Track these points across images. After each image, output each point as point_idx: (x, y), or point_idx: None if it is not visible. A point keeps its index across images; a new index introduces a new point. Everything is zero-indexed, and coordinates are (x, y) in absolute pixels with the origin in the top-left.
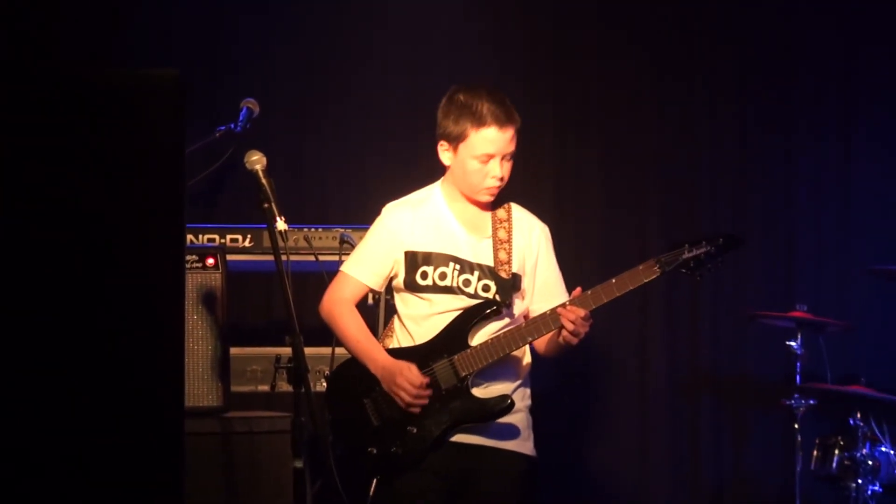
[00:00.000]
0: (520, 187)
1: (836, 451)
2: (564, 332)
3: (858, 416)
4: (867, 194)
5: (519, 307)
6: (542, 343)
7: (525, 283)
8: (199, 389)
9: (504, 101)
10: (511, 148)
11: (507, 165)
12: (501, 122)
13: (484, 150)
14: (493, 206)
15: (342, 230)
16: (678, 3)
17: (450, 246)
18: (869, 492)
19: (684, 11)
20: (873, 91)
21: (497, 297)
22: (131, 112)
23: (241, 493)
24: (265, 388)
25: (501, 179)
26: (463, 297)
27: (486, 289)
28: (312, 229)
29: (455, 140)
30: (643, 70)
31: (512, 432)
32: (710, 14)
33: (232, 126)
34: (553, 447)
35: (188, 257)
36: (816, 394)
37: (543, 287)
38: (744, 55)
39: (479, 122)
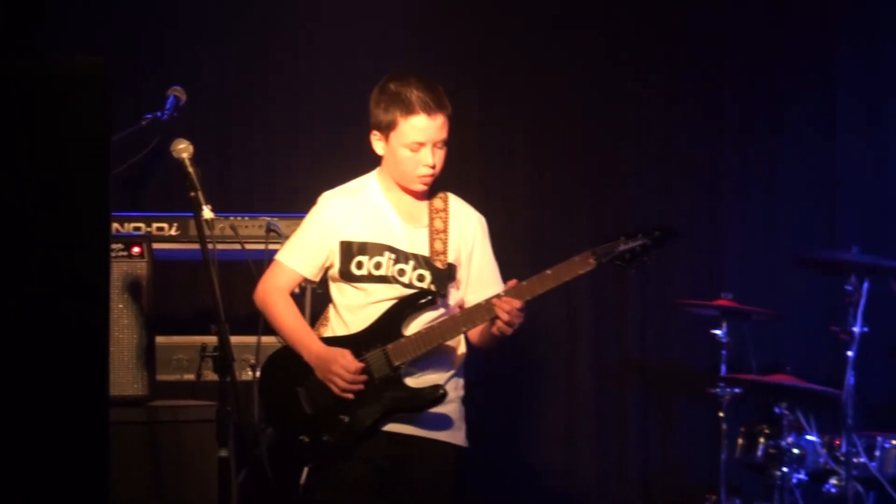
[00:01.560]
0: (448, 178)
1: (762, 440)
2: (499, 323)
3: (784, 404)
4: (792, 183)
5: (454, 297)
6: (476, 333)
7: (460, 274)
8: (124, 378)
9: (434, 88)
10: (442, 135)
11: (440, 153)
12: (430, 110)
13: (414, 138)
14: (429, 195)
15: (269, 219)
16: None
17: (385, 236)
18: (794, 480)
19: (615, 2)
20: (800, 82)
21: (432, 287)
22: (55, 100)
23: (167, 483)
24: (191, 376)
25: (433, 167)
26: (398, 286)
27: (421, 279)
28: (239, 218)
29: (386, 129)
30: (572, 60)
31: (444, 422)
32: (640, 5)
33: (159, 114)
34: (483, 437)
35: (114, 246)
36: (742, 382)
37: (479, 277)
38: (673, 48)
39: (408, 110)
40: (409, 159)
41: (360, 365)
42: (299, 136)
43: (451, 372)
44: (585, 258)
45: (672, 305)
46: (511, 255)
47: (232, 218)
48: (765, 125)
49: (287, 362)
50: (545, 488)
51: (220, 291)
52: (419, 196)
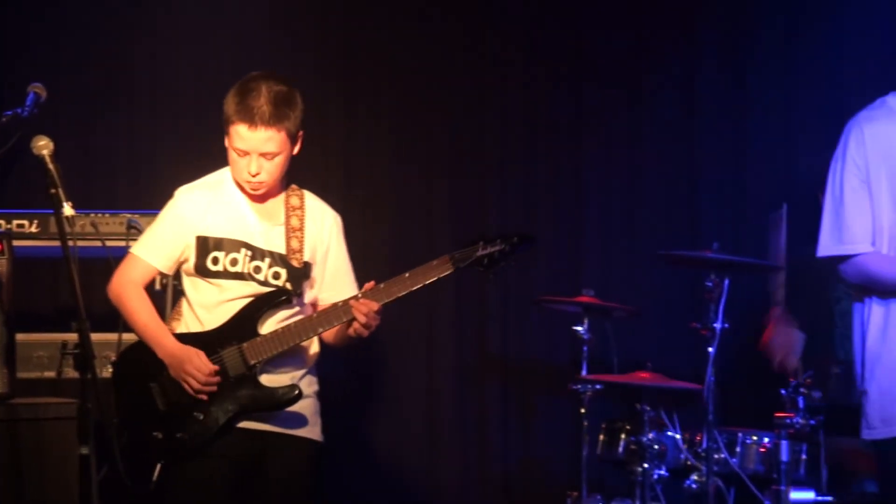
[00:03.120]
0: (311, 181)
1: (623, 436)
2: (356, 325)
3: (645, 401)
4: (653, 183)
5: (309, 296)
6: (331, 333)
7: (315, 272)
8: None
9: (279, 101)
10: (269, 149)
11: (268, 165)
12: (253, 122)
13: (237, 144)
14: (286, 193)
15: (130, 216)
16: None
17: (242, 232)
18: (655, 476)
19: (478, 7)
20: (661, 79)
21: (288, 286)
22: None
23: (27, 480)
24: (51, 374)
25: (256, 177)
26: (253, 283)
27: (276, 276)
28: (100, 215)
29: (225, 126)
30: (436, 65)
31: (300, 419)
32: (499, 6)
33: (19, 111)
34: (345, 436)
35: None
36: (603, 379)
37: (333, 276)
38: (531, 49)
39: (238, 116)
40: (236, 163)
41: (215, 367)
42: (161, 133)
43: (305, 370)
44: (444, 262)
45: (534, 302)
46: (373, 257)
47: (93, 215)
48: (625, 128)
49: (140, 358)
50: (407, 486)
51: (80, 289)
52: (275, 193)
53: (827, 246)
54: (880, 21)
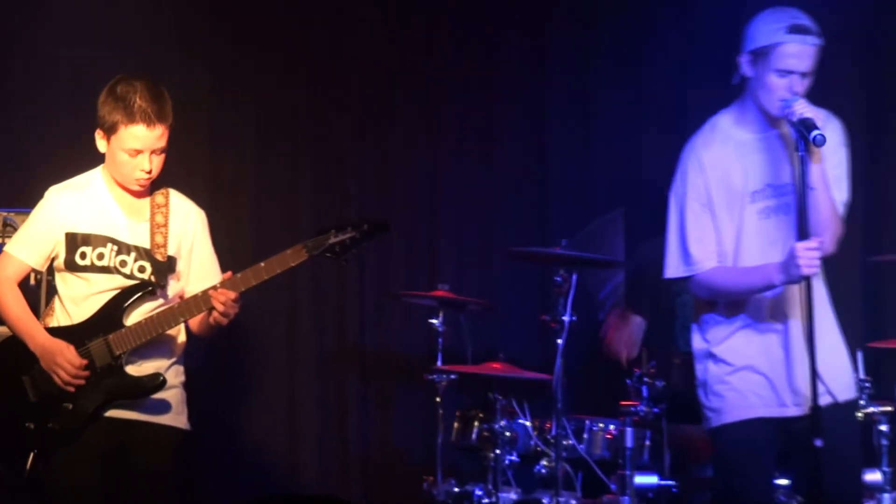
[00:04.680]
0: (177, 174)
1: (476, 424)
2: (215, 314)
3: (497, 390)
4: (506, 183)
5: (174, 288)
6: (195, 322)
7: (180, 266)
8: None
9: (158, 98)
10: (160, 144)
11: (157, 159)
12: (150, 121)
13: (132, 145)
14: (151, 191)
15: (5, 214)
16: None
17: (108, 228)
18: (507, 461)
19: (343, 7)
20: (512, 79)
21: (152, 279)
22: None
23: None
24: None
25: (149, 173)
26: (119, 277)
27: (141, 270)
28: None
29: (108, 131)
30: (298, 59)
31: (166, 407)
32: (363, 11)
33: None
34: (210, 423)
35: None
36: (457, 370)
37: (198, 269)
38: (393, 52)
39: (130, 118)
40: (127, 163)
41: (84, 361)
42: (35, 130)
43: (172, 360)
44: (297, 251)
45: (392, 296)
46: (237, 247)
47: None
48: (480, 129)
49: (12, 351)
50: (270, 471)
51: None
52: (141, 192)
53: (674, 268)
54: (723, 23)
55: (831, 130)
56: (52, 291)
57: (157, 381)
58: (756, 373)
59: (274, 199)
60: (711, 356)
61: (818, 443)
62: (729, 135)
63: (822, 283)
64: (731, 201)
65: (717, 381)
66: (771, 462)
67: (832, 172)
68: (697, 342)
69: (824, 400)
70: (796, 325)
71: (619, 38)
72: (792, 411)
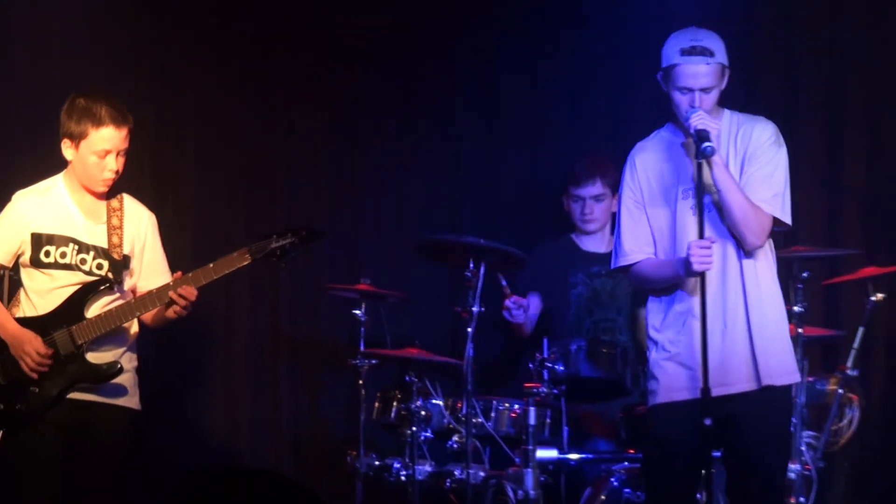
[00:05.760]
0: (124, 179)
1: (395, 403)
2: (177, 308)
3: (413, 373)
4: (420, 183)
5: (128, 283)
6: (149, 316)
7: (133, 264)
8: None
9: (119, 104)
10: (125, 145)
11: (121, 160)
12: (118, 122)
13: (102, 146)
14: (108, 196)
15: None
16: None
17: (70, 229)
18: (422, 437)
19: (263, 16)
20: (427, 71)
21: (109, 275)
22: None
23: None
24: None
25: (117, 172)
26: (80, 273)
27: (100, 267)
28: None
29: (77, 138)
30: (233, 72)
31: (120, 390)
32: (289, 15)
33: None
34: (158, 402)
35: None
36: (378, 355)
37: (149, 266)
38: (318, 59)
39: (99, 122)
40: (97, 164)
41: (49, 350)
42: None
43: (125, 348)
44: (242, 254)
45: (319, 289)
46: (180, 247)
47: None
48: (397, 134)
49: None
50: (210, 446)
51: None
52: (99, 196)
53: (614, 260)
54: (609, 50)
55: (760, 131)
56: (15, 285)
57: (114, 369)
58: (685, 358)
59: (211, 203)
60: (654, 342)
61: (707, 422)
62: (664, 139)
63: (767, 270)
64: (665, 198)
65: (654, 365)
66: (694, 440)
67: (762, 171)
68: (647, 327)
69: (750, 384)
70: (728, 314)
71: (519, 61)
72: (716, 392)
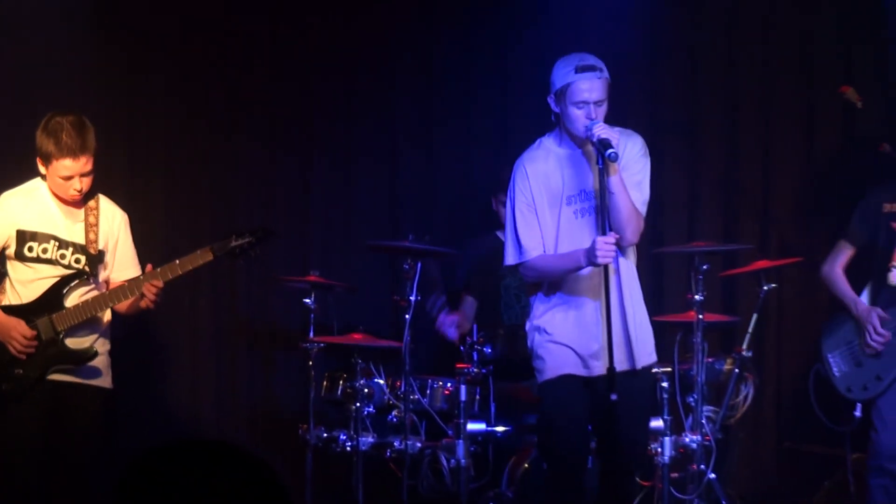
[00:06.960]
0: (99, 182)
1: (341, 382)
2: (146, 300)
3: (357, 355)
4: (365, 185)
5: (102, 275)
6: (123, 306)
7: (107, 258)
8: None
9: (83, 132)
10: (87, 169)
11: (86, 180)
12: (75, 155)
13: (63, 173)
14: (83, 200)
15: None
16: (208, 27)
17: (51, 227)
18: (365, 412)
19: (216, 34)
20: (366, 105)
21: (86, 269)
22: None
23: None
24: None
25: (80, 191)
26: (60, 267)
27: (78, 261)
28: None
29: (45, 159)
30: (198, 78)
31: (95, 372)
32: (242, 28)
33: None
34: (130, 383)
35: None
36: (326, 339)
37: (121, 261)
38: (269, 67)
39: (59, 153)
40: (62, 185)
41: (33, 333)
42: None
43: (99, 333)
44: (206, 252)
45: (273, 280)
46: (149, 244)
47: None
48: (343, 142)
49: None
50: (174, 421)
51: None
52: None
53: (511, 257)
54: (533, 69)
55: (632, 145)
56: (1, 276)
57: (90, 353)
58: (568, 340)
59: (178, 205)
60: (536, 328)
61: (613, 397)
62: (550, 150)
63: (634, 266)
64: (552, 203)
65: (539, 347)
66: (581, 410)
67: (633, 179)
68: (530, 317)
69: (625, 365)
70: (601, 303)
71: (453, 78)
72: (594, 371)
